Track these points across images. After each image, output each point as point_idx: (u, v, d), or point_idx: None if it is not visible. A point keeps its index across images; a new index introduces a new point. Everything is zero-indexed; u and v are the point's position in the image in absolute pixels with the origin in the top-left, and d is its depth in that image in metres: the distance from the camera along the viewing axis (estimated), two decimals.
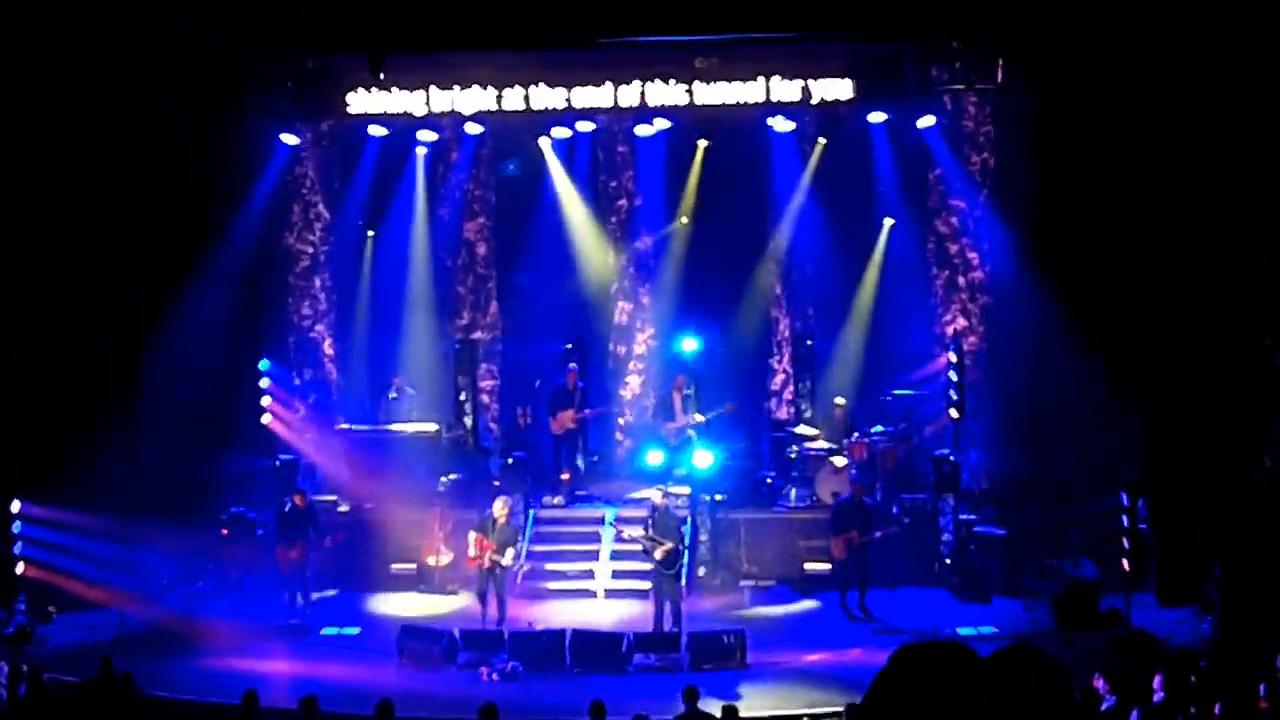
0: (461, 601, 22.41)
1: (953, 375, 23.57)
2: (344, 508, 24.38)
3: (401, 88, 23.66)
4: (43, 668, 16.78)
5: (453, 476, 24.34)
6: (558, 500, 24.90)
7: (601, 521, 23.65)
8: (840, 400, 25.44)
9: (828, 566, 22.61)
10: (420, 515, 23.61)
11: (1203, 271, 21.62)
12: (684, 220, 26.81)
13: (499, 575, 21.07)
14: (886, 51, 23.05)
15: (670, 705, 16.23)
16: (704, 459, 23.85)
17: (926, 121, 24.80)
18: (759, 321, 27.10)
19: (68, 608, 22.24)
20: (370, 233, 26.47)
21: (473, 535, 21.15)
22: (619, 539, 22.71)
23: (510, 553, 21.28)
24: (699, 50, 23.28)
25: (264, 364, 24.74)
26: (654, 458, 24.77)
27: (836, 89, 23.27)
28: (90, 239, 22.96)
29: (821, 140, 25.61)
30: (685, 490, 23.86)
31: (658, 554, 20.54)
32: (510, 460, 24.98)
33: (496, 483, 23.72)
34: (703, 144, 26.13)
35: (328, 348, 26.89)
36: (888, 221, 26.05)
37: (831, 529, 22.30)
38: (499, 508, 21.25)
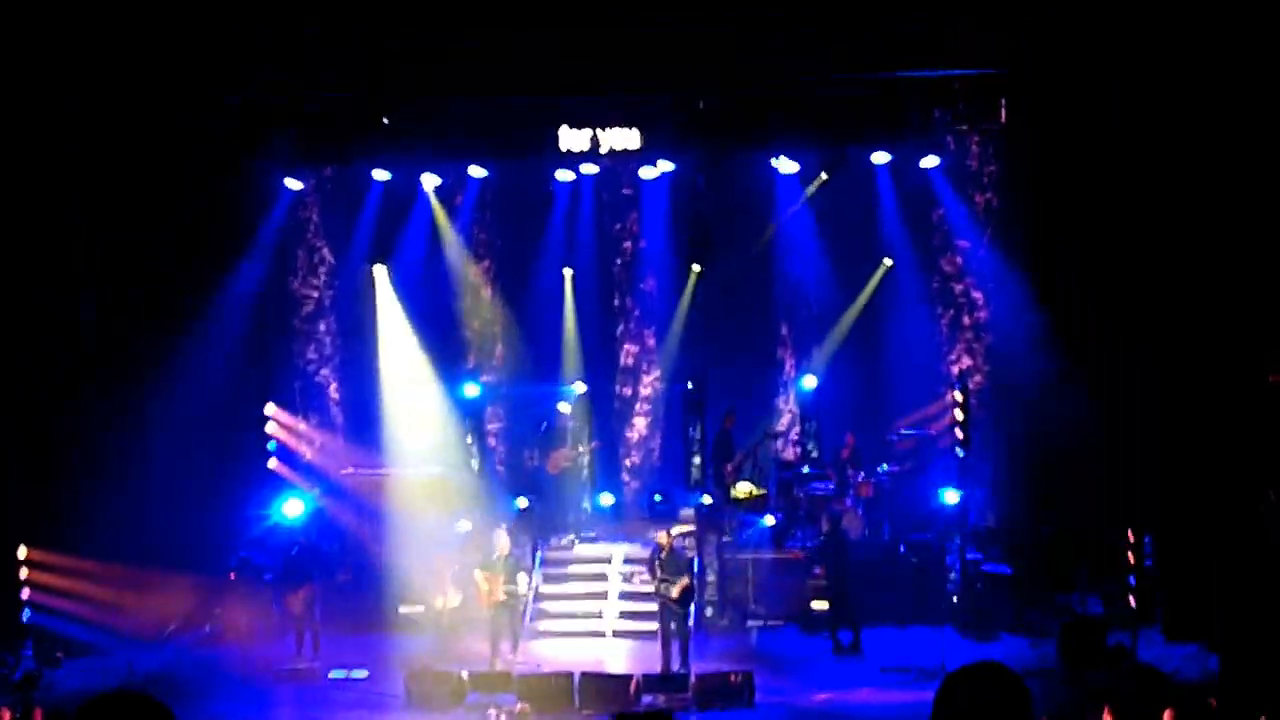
0: (470, 643, 22.35)
1: (958, 414, 23.62)
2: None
3: (405, 132, 23.73)
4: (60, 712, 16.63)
5: (465, 525, 24.29)
6: (566, 541, 24.95)
7: (609, 561, 23.63)
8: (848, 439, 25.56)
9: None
10: (428, 558, 23.61)
11: (1207, 310, 21.59)
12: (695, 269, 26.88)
13: (513, 608, 21.15)
14: (889, 92, 23.12)
15: None
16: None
17: (930, 162, 24.92)
18: (764, 362, 27.19)
19: (75, 653, 22.25)
20: (377, 266, 26.46)
21: (479, 573, 21.22)
22: (628, 581, 22.73)
23: (523, 578, 21.37)
24: (702, 92, 23.37)
25: (269, 408, 24.79)
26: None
27: (840, 129, 23.35)
28: (94, 283, 23.01)
29: (822, 175, 25.68)
30: (690, 528, 23.90)
31: (674, 592, 20.50)
32: (523, 505, 24.94)
33: (504, 524, 23.69)
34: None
35: (333, 392, 26.91)
36: (886, 261, 26.22)
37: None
38: (500, 540, 21.38)
